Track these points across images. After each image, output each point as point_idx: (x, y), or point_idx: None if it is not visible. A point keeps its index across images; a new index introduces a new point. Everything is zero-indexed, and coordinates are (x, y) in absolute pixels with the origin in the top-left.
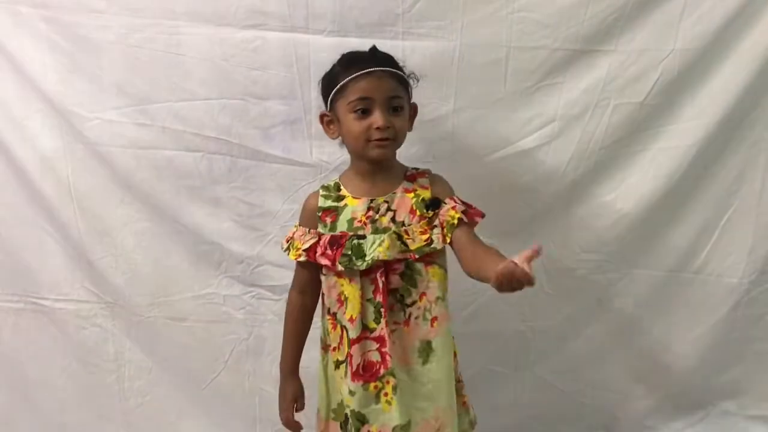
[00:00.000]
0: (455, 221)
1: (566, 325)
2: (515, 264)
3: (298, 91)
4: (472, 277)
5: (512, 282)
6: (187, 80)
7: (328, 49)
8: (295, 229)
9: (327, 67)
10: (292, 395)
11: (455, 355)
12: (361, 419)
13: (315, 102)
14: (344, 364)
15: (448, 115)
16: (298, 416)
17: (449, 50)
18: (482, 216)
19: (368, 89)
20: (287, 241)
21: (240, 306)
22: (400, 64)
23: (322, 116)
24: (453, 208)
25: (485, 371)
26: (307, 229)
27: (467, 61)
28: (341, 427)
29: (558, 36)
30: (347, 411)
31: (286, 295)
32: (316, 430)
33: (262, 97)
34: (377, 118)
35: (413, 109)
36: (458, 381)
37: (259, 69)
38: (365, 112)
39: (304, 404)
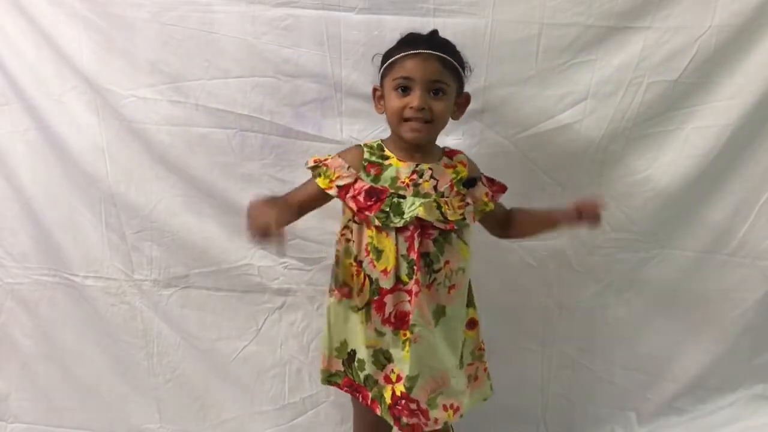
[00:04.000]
0: (487, 208)
1: (594, 304)
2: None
3: (329, 68)
4: (519, 236)
5: (590, 212)
6: (219, 58)
7: (359, 27)
8: (330, 157)
9: (358, 45)
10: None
11: (476, 324)
12: (389, 358)
13: (345, 80)
14: (364, 311)
15: (478, 92)
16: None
17: (481, 27)
18: (504, 190)
19: (412, 69)
20: (316, 162)
21: (273, 277)
22: (461, 54)
23: (374, 90)
24: (486, 194)
25: (511, 346)
26: (347, 166)
27: (499, 38)
28: (343, 364)
29: (591, 12)
30: (353, 349)
31: (317, 266)
32: (321, 365)
33: (293, 75)
34: (414, 97)
35: (465, 99)
36: (480, 348)
37: (290, 47)
38: (405, 91)
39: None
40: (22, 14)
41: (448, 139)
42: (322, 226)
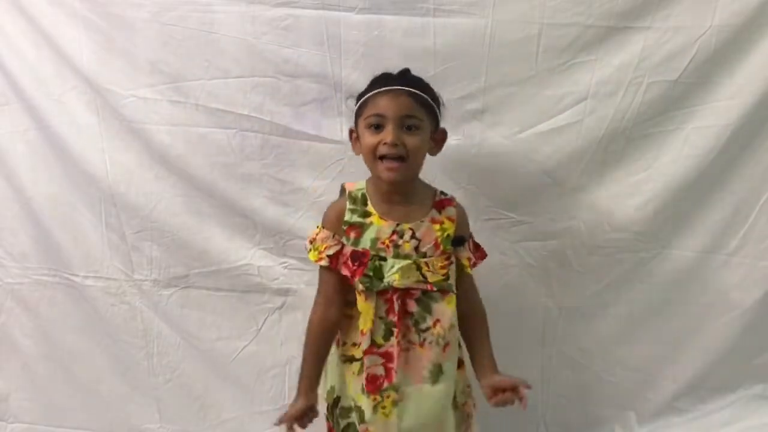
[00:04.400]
0: (465, 272)
1: (594, 304)
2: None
3: (329, 69)
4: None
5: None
6: (219, 58)
7: (359, 27)
8: (318, 231)
9: (358, 45)
10: (305, 406)
11: (463, 363)
12: (362, 418)
13: (345, 80)
14: (359, 363)
15: (478, 93)
16: None
17: (480, 27)
18: (484, 257)
19: (384, 106)
20: (310, 242)
21: (273, 277)
22: (434, 90)
23: (350, 131)
24: (468, 258)
25: (511, 346)
26: (331, 234)
27: (499, 38)
28: (327, 409)
29: (591, 12)
30: (336, 396)
31: (317, 267)
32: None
33: (293, 75)
34: (387, 133)
35: (441, 134)
36: (468, 386)
37: (290, 47)
38: (378, 128)
39: (311, 421)
40: (22, 14)
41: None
42: None
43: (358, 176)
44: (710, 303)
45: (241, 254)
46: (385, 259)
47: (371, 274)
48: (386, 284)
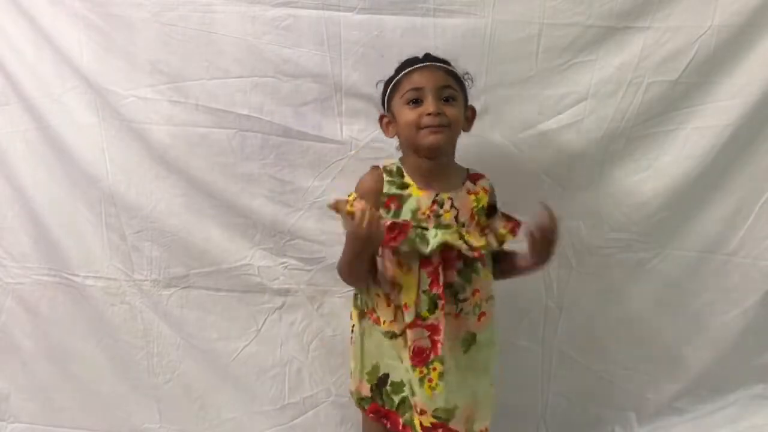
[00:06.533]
0: (506, 239)
1: (594, 304)
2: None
3: (329, 68)
4: (503, 275)
5: (545, 232)
6: (219, 58)
7: (359, 27)
8: (354, 198)
9: (358, 45)
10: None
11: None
12: (413, 391)
13: (345, 80)
14: (402, 337)
15: (478, 92)
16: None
17: (480, 27)
18: (520, 226)
19: (419, 80)
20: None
21: (273, 277)
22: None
23: (381, 117)
24: (503, 226)
25: (511, 346)
26: (368, 207)
27: (498, 38)
28: (372, 389)
29: (591, 12)
30: (383, 373)
31: (317, 267)
32: (351, 387)
33: (293, 75)
34: (428, 104)
35: (471, 112)
36: None
37: (290, 47)
38: (417, 102)
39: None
40: (22, 14)
41: None
42: (322, 227)
43: (358, 176)
44: (710, 303)
45: (241, 254)
46: (426, 229)
47: (414, 236)
48: (434, 246)
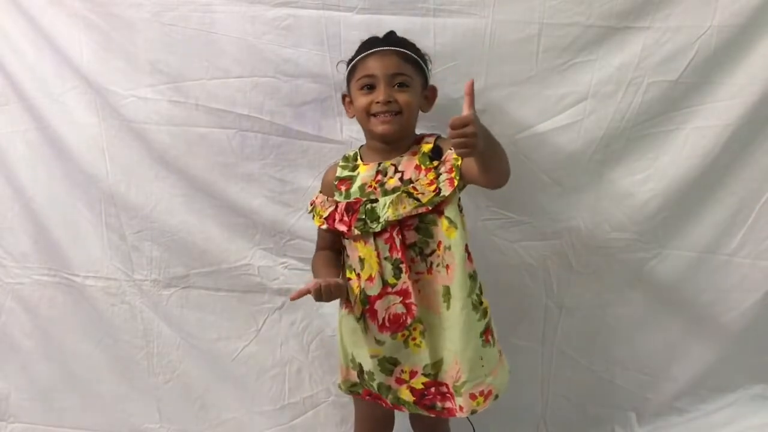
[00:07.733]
0: (459, 161)
1: (594, 304)
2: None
3: (329, 69)
4: (491, 183)
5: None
6: (219, 58)
7: (359, 27)
8: (316, 196)
9: (358, 45)
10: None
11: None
12: (393, 362)
13: (345, 80)
14: (361, 320)
15: (478, 93)
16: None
17: (481, 27)
18: (435, 93)
19: (373, 67)
20: (311, 205)
21: (273, 277)
22: (420, 48)
23: (343, 96)
24: (455, 155)
25: (511, 346)
26: (326, 197)
27: (499, 38)
28: (358, 376)
29: (591, 12)
30: (360, 363)
31: None
32: (338, 379)
33: (293, 75)
34: (379, 92)
35: (431, 91)
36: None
37: (290, 47)
38: (370, 88)
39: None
40: (22, 14)
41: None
42: None
43: None
44: (710, 303)
45: (241, 254)
46: (376, 201)
47: (364, 217)
48: (383, 223)
